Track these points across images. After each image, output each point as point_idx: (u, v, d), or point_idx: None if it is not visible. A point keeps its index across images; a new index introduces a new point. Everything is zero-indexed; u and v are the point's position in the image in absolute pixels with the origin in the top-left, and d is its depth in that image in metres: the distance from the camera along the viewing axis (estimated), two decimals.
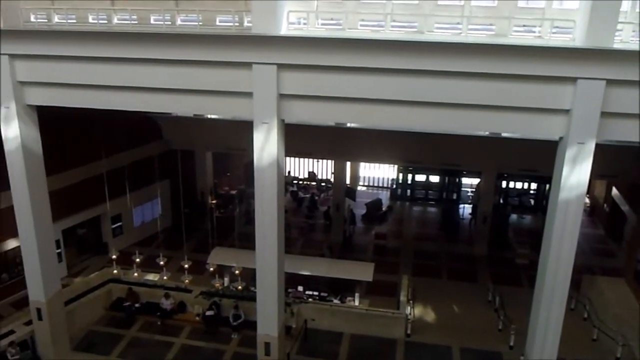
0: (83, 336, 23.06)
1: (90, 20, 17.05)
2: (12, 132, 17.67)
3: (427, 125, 17.78)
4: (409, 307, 23.77)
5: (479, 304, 25.55)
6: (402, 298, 24.19)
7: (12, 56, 16.82)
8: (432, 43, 13.88)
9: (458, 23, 14.63)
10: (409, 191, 40.40)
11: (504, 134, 25.69)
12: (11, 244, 24.87)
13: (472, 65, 13.65)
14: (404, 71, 14.10)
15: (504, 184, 38.23)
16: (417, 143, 27.11)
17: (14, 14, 16.78)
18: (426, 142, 26.48)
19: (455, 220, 35.89)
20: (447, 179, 39.38)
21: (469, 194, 39.36)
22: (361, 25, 15.24)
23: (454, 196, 39.40)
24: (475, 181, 38.02)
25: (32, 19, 17.46)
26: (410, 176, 40.14)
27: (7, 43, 16.61)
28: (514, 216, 36.70)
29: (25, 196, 18.26)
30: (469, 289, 27.29)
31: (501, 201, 37.36)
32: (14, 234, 20.24)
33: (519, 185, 39.15)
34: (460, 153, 28.59)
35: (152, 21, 16.65)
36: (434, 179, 39.75)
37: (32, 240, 18.78)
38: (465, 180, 39.49)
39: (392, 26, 14.85)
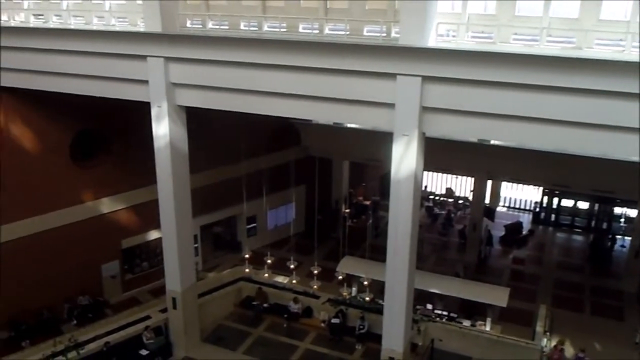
0: (212, 329, 23.93)
1: (242, 27, 17.70)
2: (162, 130, 18.72)
3: (578, 148, 16.73)
4: (545, 339, 22.38)
5: (625, 345, 23.49)
6: (539, 328, 22.80)
7: (167, 59, 17.83)
8: (591, 60, 12.78)
9: (621, 40, 13.42)
10: (553, 216, 38.01)
11: None
12: (153, 235, 26.41)
13: (632, 85, 12.43)
14: (559, 89, 13.17)
15: None
16: (567, 165, 25.57)
17: (171, 19, 17.75)
18: (577, 164, 24.95)
19: (605, 251, 33.25)
20: (597, 206, 36.64)
21: (622, 224, 36.33)
22: (514, 40, 14.44)
23: (605, 225, 36.58)
24: (630, 211, 35.00)
25: (188, 24, 18.45)
26: (556, 200, 37.76)
27: (163, 46, 17.66)
28: None
29: (170, 191, 19.29)
30: (614, 327, 25.22)
31: None
32: (157, 225, 21.59)
33: None
34: (614, 179, 26.38)
35: (300, 29, 16.92)
36: (583, 205, 37.11)
37: (172, 233, 19.81)
38: (617, 210, 36.48)
39: (548, 41, 13.95)
